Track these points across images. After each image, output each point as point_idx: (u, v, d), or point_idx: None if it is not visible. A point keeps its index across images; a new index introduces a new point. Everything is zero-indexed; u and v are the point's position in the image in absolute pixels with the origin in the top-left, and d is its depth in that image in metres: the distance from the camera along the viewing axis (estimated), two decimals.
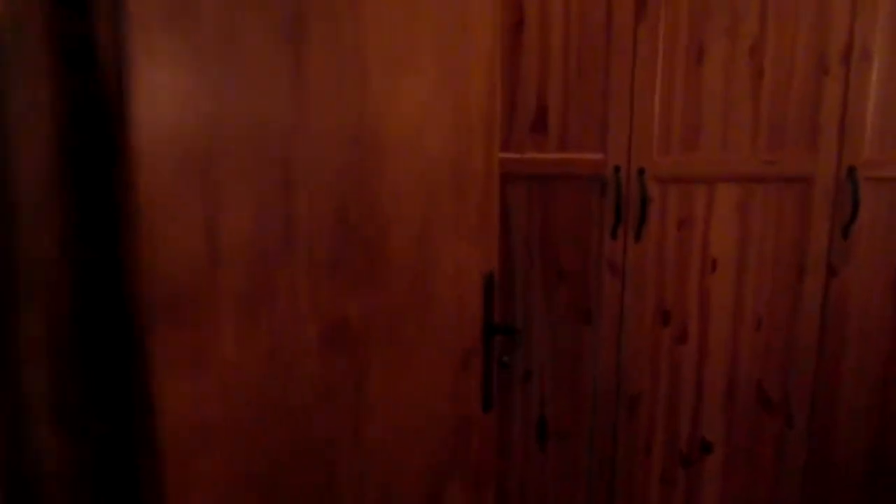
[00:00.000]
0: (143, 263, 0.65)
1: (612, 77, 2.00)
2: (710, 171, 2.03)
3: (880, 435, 2.15)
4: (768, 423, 2.15)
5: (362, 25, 0.90)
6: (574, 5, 2.00)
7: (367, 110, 0.92)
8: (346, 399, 0.93)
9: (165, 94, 0.66)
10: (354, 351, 0.93)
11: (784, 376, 2.12)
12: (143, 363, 0.66)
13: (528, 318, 2.13)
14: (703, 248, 2.07)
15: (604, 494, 2.22)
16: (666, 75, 1.99)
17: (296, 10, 0.80)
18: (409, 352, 1.08)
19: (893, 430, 2.15)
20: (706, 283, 2.08)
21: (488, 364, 1.43)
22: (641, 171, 2.01)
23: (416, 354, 1.11)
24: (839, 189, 2.01)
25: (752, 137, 2.01)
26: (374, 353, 0.97)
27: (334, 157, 0.87)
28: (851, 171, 1.99)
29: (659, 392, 2.15)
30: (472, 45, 1.22)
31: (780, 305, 2.08)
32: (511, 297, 2.12)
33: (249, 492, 0.79)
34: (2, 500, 0.60)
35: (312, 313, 0.85)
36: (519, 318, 2.13)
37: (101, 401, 0.66)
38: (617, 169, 2.01)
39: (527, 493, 2.28)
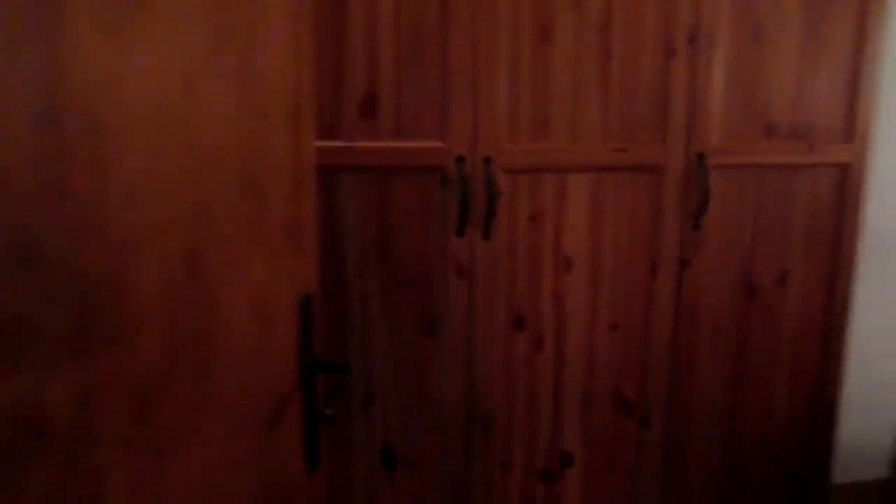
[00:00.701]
0: None
1: (451, 54, 1.73)
2: (560, 160, 1.84)
3: (733, 430, 2.11)
4: (627, 427, 2.03)
5: None
6: None
7: (67, 77, 0.57)
8: None
9: None
10: (60, 459, 0.58)
11: (641, 378, 2.00)
12: None
13: (366, 335, 1.83)
14: (556, 246, 1.88)
15: None
16: (511, 53, 1.77)
17: None
18: (179, 430, 0.75)
19: (744, 424, 2.11)
20: (561, 284, 1.91)
21: (311, 411, 1.11)
22: (488, 161, 1.78)
23: (192, 429, 0.78)
24: (689, 178, 1.91)
25: (603, 123, 1.85)
26: (106, 452, 0.63)
27: None
28: (700, 158, 1.90)
29: (515, 405, 1.94)
30: None
31: (634, 304, 1.96)
32: (345, 314, 1.81)
33: None
34: None
35: None
36: (356, 336, 1.83)
37: None
38: (460, 159, 1.76)
39: None
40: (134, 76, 0.65)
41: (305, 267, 1.09)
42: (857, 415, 2.38)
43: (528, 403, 1.95)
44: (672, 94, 1.86)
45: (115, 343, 0.64)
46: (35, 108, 0.55)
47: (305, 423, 1.10)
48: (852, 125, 1.99)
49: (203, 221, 0.78)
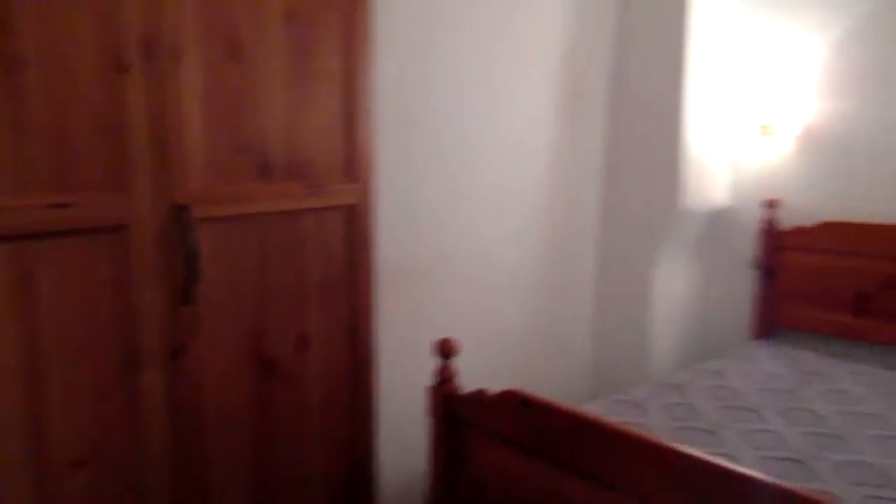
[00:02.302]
0: None
1: None
2: None
3: None
4: None
5: None
6: None
7: None
8: None
9: None
10: None
11: None
12: None
13: None
14: None
15: None
16: None
17: None
18: None
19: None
20: None
21: None
22: None
23: None
24: (167, 237, 1.42)
25: (19, 169, 1.22)
26: None
27: None
28: (180, 210, 1.42)
29: None
30: None
31: (107, 422, 1.38)
32: None
33: None
34: None
35: None
36: None
37: None
38: None
39: None
40: None
41: None
42: (392, 459, 2.26)
43: None
44: (130, 125, 1.34)
45: None
46: None
47: None
48: (353, 162, 1.79)
49: None
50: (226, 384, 1.57)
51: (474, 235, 2.62)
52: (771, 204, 2.87)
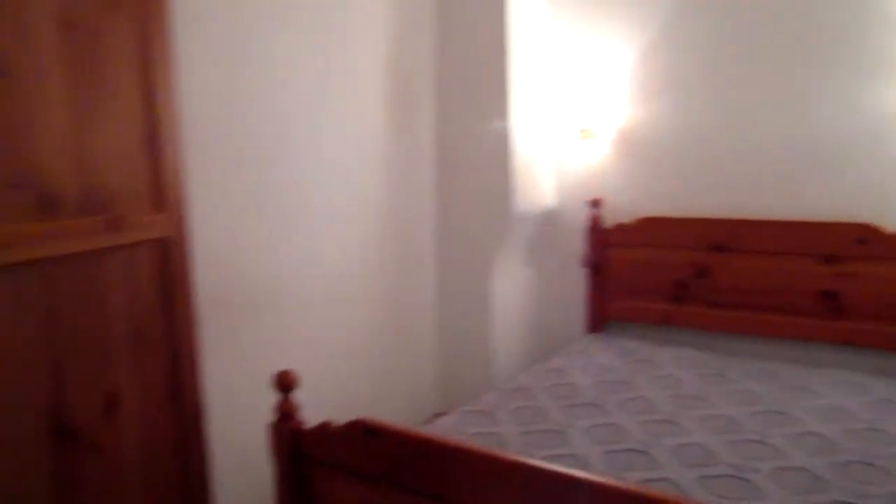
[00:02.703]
0: None
1: None
2: None
3: None
4: None
5: None
6: None
7: None
8: None
9: None
10: None
11: None
12: None
13: None
14: None
15: None
16: None
17: None
18: None
19: None
20: None
21: None
22: None
23: None
24: None
25: None
26: None
27: None
28: None
29: None
30: None
31: None
32: None
33: None
34: None
35: None
36: None
37: None
38: None
39: None
40: None
41: None
42: None
43: None
44: None
45: None
46: None
47: None
48: (161, 189, 1.60)
49: None
50: (11, 459, 1.31)
51: (307, 259, 2.48)
52: (594, 203, 3.02)
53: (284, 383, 1.63)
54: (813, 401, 2.20)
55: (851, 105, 2.48)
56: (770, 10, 2.60)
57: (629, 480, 1.70)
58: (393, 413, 2.92)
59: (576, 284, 3.17)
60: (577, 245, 3.14)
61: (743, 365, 2.55)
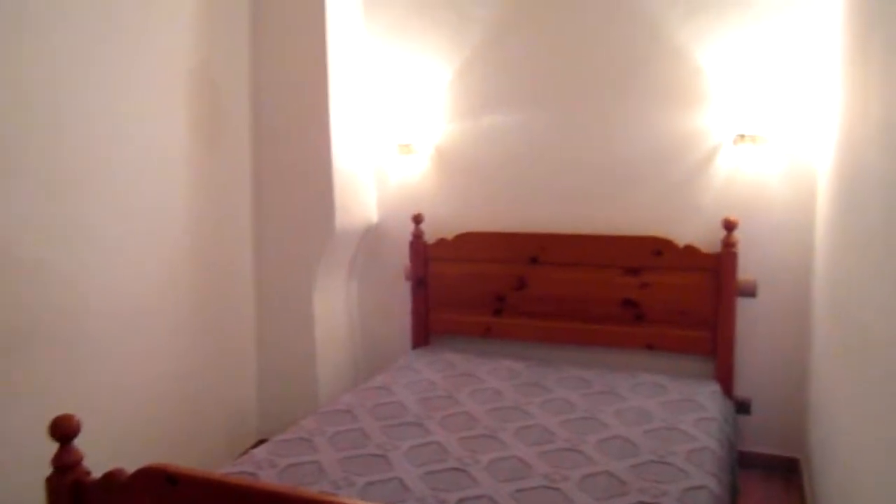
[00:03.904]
0: None
1: None
2: None
3: None
4: None
5: None
6: None
7: None
8: None
9: None
10: None
11: None
12: None
13: None
14: None
15: None
16: None
17: None
18: None
19: None
20: None
21: None
22: None
23: None
24: None
25: None
26: None
27: None
28: None
29: None
30: None
31: None
32: None
33: None
34: None
35: None
36: None
37: None
38: None
39: None
40: None
41: None
42: None
43: None
44: None
45: None
46: None
47: None
48: None
49: None
50: None
51: (102, 284, 2.21)
52: (416, 219, 3.03)
53: (62, 430, 1.43)
54: (619, 404, 2.34)
55: (647, 129, 2.70)
56: (575, 37, 2.76)
57: (447, 502, 1.69)
58: (210, 447, 2.71)
59: (401, 299, 3.16)
60: (401, 260, 3.13)
61: (558, 373, 2.66)
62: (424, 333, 3.09)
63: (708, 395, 2.42)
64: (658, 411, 2.28)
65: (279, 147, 2.90)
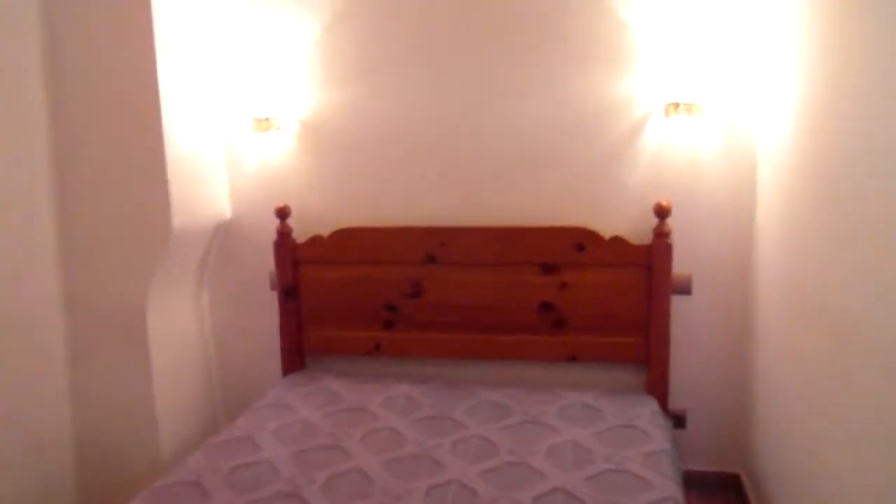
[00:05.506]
0: None
1: None
2: None
3: None
4: None
5: None
6: None
7: None
8: None
9: None
10: None
11: None
12: None
13: None
14: None
15: None
16: None
17: None
18: None
19: None
20: None
21: None
22: None
23: None
24: None
25: None
26: None
27: None
28: None
29: None
30: None
31: None
32: None
33: None
34: None
35: None
36: None
37: None
38: None
39: None
40: None
41: None
42: None
43: None
44: None
45: None
46: None
47: None
48: None
49: None
50: None
51: None
52: (281, 212, 2.40)
53: None
54: (549, 439, 1.88)
55: (563, 96, 2.23)
56: None
57: None
58: None
59: (268, 313, 2.52)
60: (265, 264, 2.49)
61: (468, 399, 2.16)
62: (298, 355, 2.48)
63: (648, 418, 2.01)
64: (597, 446, 1.84)
65: (92, 132, 2.15)
